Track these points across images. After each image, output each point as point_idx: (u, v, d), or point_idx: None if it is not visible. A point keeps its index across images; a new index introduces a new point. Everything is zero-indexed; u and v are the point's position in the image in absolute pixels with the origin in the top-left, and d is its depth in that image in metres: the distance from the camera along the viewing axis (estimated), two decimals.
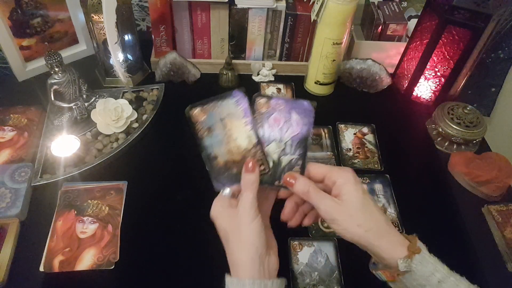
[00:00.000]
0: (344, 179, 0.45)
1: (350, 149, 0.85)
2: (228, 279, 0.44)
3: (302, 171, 0.47)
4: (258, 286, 0.42)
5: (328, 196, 0.44)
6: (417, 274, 0.42)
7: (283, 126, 0.47)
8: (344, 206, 0.43)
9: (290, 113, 0.47)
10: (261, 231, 0.44)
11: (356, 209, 0.43)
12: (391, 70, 1.04)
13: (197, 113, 0.47)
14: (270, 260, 0.45)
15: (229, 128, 0.47)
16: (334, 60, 0.92)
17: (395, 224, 0.72)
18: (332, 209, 0.44)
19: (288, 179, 0.46)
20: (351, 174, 0.45)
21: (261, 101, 0.47)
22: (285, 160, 0.47)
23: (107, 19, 0.78)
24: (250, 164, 0.46)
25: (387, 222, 0.45)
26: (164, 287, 0.63)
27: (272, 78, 1.02)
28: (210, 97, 0.48)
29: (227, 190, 0.48)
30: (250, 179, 0.46)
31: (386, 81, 0.99)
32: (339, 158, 0.83)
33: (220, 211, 0.47)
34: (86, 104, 0.85)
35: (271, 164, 0.47)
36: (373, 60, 0.98)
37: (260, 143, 0.48)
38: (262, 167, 0.48)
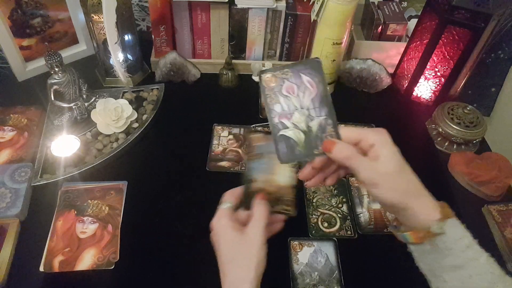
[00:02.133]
0: (381, 141, 0.43)
1: None
2: None
3: (336, 130, 0.45)
4: None
5: (368, 160, 0.43)
6: (448, 237, 0.42)
7: (298, 92, 0.45)
8: (384, 169, 0.42)
9: (300, 77, 0.45)
10: (265, 258, 0.46)
11: (396, 172, 0.43)
12: (391, 70, 1.04)
13: (257, 137, 0.52)
14: (258, 285, 0.47)
15: (276, 162, 0.48)
16: (334, 60, 0.92)
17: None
18: (373, 173, 0.42)
19: (327, 145, 0.44)
20: (387, 136, 0.44)
21: (267, 76, 0.45)
22: (314, 124, 0.45)
23: (107, 19, 0.78)
24: (261, 194, 0.50)
25: (421, 184, 0.44)
26: (164, 287, 0.63)
27: None
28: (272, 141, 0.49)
29: (227, 204, 0.50)
30: (263, 204, 0.49)
31: (386, 81, 0.99)
32: None
33: (225, 224, 0.47)
34: (86, 104, 0.85)
35: (302, 136, 0.45)
36: (373, 60, 0.98)
37: (295, 186, 0.51)
38: (288, 208, 0.52)
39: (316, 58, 0.45)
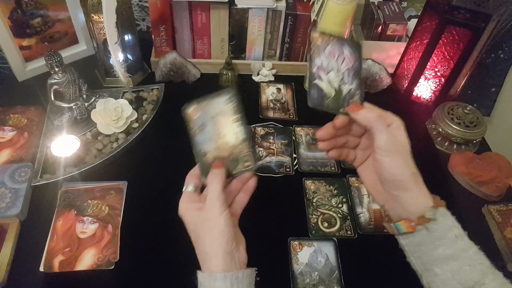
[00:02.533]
0: (398, 124, 0.46)
1: None
2: (200, 275, 0.45)
3: (362, 101, 0.48)
4: (230, 278, 0.42)
5: (390, 129, 0.46)
6: (438, 225, 0.44)
7: (337, 58, 0.49)
8: (402, 143, 0.46)
9: (342, 49, 0.49)
10: (230, 224, 0.45)
11: (408, 152, 0.46)
12: (391, 70, 1.04)
13: (192, 111, 0.50)
14: (239, 253, 0.46)
15: (219, 125, 0.50)
16: None
17: None
18: (394, 141, 0.45)
19: (354, 107, 0.48)
20: (402, 122, 0.47)
21: (315, 34, 0.49)
22: (345, 89, 0.49)
23: (107, 19, 0.78)
24: (217, 162, 0.49)
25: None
26: (164, 287, 0.63)
27: (272, 78, 1.02)
28: (205, 96, 0.50)
29: (190, 186, 0.49)
30: (215, 173, 0.48)
31: (386, 81, 0.99)
32: None
33: (187, 207, 0.47)
34: (86, 104, 0.85)
35: (333, 92, 0.50)
36: (373, 60, 0.98)
37: (246, 139, 0.50)
38: (247, 163, 0.50)
39: (359, 41, 0.49)
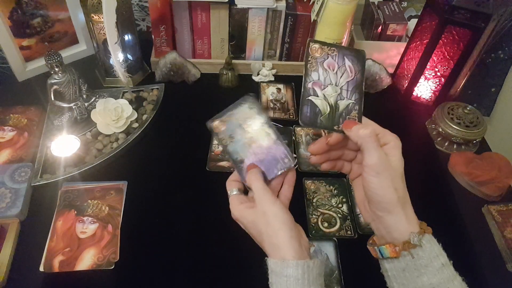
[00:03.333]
0: (396, 144, 0.45)
1: None
2: (271, 261, 0.45)
3: (360, 116, 0.47)
4: (302, 267, 0.43)
5: (382, 150, 0.45)
6: (424, 252, 0.43)
7: (337, 71, 0.48)
8: (393, 164, 0.44)
9: (344, 59, 0.47)
10: (286, 212, 0.46)
11: (400, 174, 0.45)
12: (391, 70, 1.04)
13: (217, 125, 0.51)
14: (303, 239, 0.47)
15: (249, 131, 0.51)
16: None
17: None
18: (383, 161, 0.43)
19: (348, 123, 0.46)
20: (400, 142, 0.46)
21: (315, 45, 0.48)
22: (342, 104, 0.48)
23: (107, 19, 0.78)
24: (250, 165, 0.50)
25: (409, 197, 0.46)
26: (164, 287, 0.63)
27: (272, 78, 1.02)
28: (224, 109, 0.51)
29: (234, 191, 0.51)
30: (252, 173, 0.49)
31: (386, 81, 0.99)
32: None
33: (240, 209, 0.48)
34: (86, 104, 0.85)
35: (328, 109, 0.47)
36: (373, 60, 0.98)
37: (280, 138, 0.51)
38: (286, 160, 0.51)
39: (363, 50, 0.47)
